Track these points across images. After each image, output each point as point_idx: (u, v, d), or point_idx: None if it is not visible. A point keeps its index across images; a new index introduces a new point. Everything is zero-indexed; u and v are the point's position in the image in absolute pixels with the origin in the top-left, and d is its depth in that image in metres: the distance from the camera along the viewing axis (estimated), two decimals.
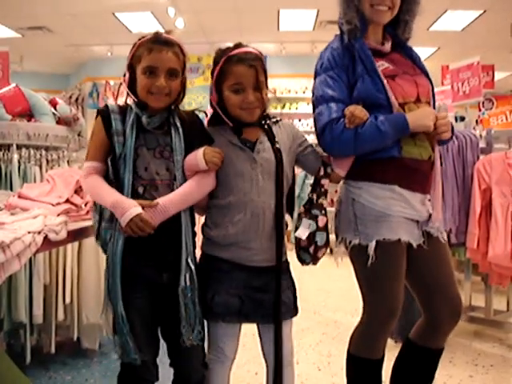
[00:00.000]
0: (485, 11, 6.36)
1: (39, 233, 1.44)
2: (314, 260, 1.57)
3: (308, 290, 4.13)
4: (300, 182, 5.78)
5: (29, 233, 1.38)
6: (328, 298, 4.06)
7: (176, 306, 1.44)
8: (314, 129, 1.63)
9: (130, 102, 1.53)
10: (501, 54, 7.25)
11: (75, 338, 2.55)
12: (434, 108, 1.67)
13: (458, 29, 7.16)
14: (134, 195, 1.44)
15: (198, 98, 7.15)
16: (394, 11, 1.59)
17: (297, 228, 1.56)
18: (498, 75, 6.90)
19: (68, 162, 2.69)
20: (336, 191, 1.79)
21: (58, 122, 2.77)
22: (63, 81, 9.87)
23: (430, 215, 1.62)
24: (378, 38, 1.65)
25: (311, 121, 1.66)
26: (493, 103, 4.92)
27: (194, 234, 1.53)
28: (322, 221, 1.56)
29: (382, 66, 1.58)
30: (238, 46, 1.54)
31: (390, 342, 2.64)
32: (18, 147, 2.49)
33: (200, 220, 1.62)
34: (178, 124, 1.52)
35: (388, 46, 1.65)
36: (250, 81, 1.49)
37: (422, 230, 1.62)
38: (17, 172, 2.44)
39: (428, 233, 1.62)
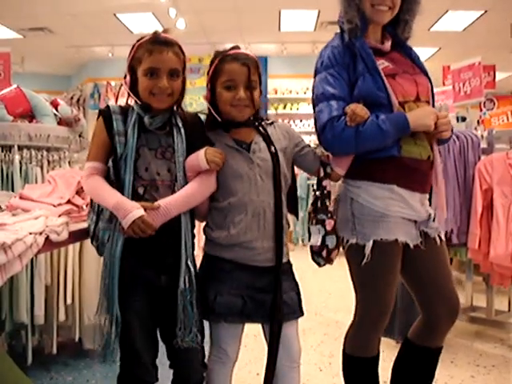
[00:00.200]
0: (486, 11, 6.36)
1: (41, 234, 1.44)
2: (329, 262, 1.61)
3: (309, 290, 4.13)
4: (303, 183, 5.78)
5: (30, 234, 1.38)
6: (329, 298, 4.06)
7: (174, 308, 1.44)
8: (314, 129, 1.63)
9: (131, 102, 1.53)
10: (502, 54, 7.24)
11: (77, 339, 2.55)
12: (434, 107, 1.67)
13: (459, 29, 7.17)
14: (135, 195, 1.44)
15: (199, 99, 7.11)
16: (394, 11, 1.59)
17: (309, 233, 1.61)
18: (499, 75, 6.89)
19: (69, 162, 2.69)
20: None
21: (59, 123, 2.77)
22: (64, 82, 9.87)
23: (430, 215, 1.62)
24: (378, 37, 1.65)
25: (312, 121, 1.66)
26: (494, 103, 4.92)
27: (194, 236, 1.53)
28: (329, 224, 1.58)
29: (382, 64, 1.58)
30: (234, 47, 1.56)
31: (390, 342, 2.65)
32: (20, 148, 2.49)
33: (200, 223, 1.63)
34: (180, 125, 1.52)
35: (388, 45, 1.65)
36: (242, 78, 1.50)
37: (420, 230, 1.62)
38: (18, 173, 2.44)
39: (426, 233, 1.63)
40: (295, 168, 1.68)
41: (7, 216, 1.65)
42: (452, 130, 1.65)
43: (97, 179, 1.47)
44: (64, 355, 2.59)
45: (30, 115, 2.70)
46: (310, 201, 1.70)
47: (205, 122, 1.62)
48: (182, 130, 1.51)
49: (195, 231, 1.55)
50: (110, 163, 1.48)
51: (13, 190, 2.36)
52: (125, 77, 1.52)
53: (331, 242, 1.58)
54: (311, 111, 1.67)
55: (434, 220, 1.64)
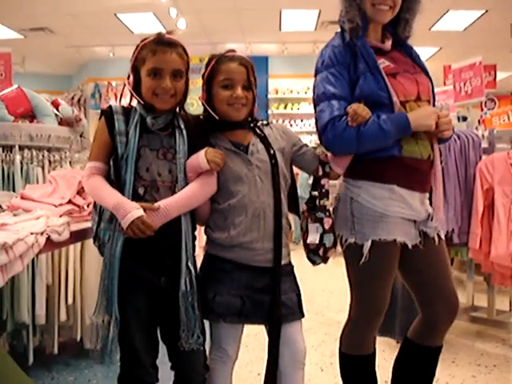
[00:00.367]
0: (487, 11, 6.36)
1: (42, 234, 1.44)
2: (324, 260, 1.60)
3: (310, 290, 4.12)
4: (304, 183, 5.77)
5: (31, 234, 1.38)
6: (330, 298, 4.06)
7: (175, 310, 1.44)
8: (316, 129, 1.63)
9: (134, 103, 1.52)
10: (503, 53, 7.24)
11: (78, 339, 2.55)
12: (434, 106, 1.67)
13: (460, 29, 7.15)
14: (135, 196, 1.43)
15: (199, 99, 7.14)
16: (395, 10, 1.59)
17: (307, 231, 1.59)
18: (500, 75, 6.88)
19: (70, 162, 2.69)
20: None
21: (60, 123, 2.78)
22: (65, 82, 9.88)
23: (429, 215, 1.62)
24: (378, 37, 1.65)
25: (313, 121, 1.66)
26: (495, 103, 4.91)
27: (195, 238, 1.52)
28: (327, 223, 1.58)
29: (382, 63, 1.58)
30: (230, 51, 1.58)
31: (391, 341, 2.65)
32: (21, 148, 2.49)
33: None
34: (182, 126, 1.52)
35: (388, 45, 1.65)
36: (240, 77, 1.52)
37: (419, 230, 1.62)
38: (19, 173, 2.44)
39: (425, 232, 1.63)
40: (295, 168, 1.68)
41: (8, 216, 1.66)
42: (453, 130, 1.65)
43: (98, 179, 1.46)
44: (65, 355, 2.60)
45: (31, 115, 2.70)
46: None
47: None
48: (184, 132, 1.51)
49: (196, 232, 1.54)
50: (110, 162, 1.48)
51: (14, 191, 2.36)
52: (128, 77, 1.52)
53: (329, 240, 1.58)
54: (312, 111, 1.67)
55: (432, 219, 1.64)
